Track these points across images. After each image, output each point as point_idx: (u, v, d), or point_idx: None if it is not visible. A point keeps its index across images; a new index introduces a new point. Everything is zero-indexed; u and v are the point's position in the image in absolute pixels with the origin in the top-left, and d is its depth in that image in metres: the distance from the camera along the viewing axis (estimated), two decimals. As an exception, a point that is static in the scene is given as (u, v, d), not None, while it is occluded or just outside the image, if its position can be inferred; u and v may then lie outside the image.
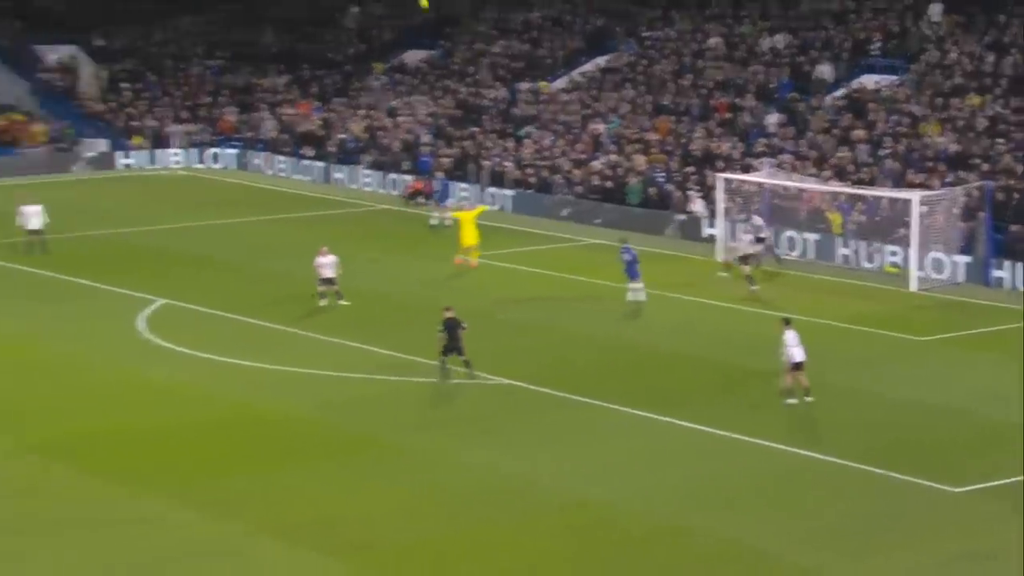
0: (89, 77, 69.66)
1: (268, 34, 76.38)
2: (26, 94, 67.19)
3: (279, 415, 28.41)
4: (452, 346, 30.15)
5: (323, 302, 36.95)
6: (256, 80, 70.80)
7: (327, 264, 37.07)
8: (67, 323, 35.99)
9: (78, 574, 20.93)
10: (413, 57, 70.20)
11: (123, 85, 69.50)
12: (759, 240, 41.54)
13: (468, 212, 44.35)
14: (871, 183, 44.96)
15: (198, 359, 32.37)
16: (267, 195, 57.61)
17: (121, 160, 63.84)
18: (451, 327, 30.12)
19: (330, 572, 21.16)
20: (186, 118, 66.87)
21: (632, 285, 37.53)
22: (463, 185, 54.79)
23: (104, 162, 63.46)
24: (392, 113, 63.57)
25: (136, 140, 65.00)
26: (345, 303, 36.99)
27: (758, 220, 42.56)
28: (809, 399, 28.47)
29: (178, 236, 48.00)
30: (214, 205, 54.40)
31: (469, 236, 42.14)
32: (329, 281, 37.04)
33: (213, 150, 64.60)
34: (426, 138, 59.61)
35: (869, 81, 53.51)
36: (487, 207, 49.00)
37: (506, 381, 30.54)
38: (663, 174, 50.42)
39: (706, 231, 45.95)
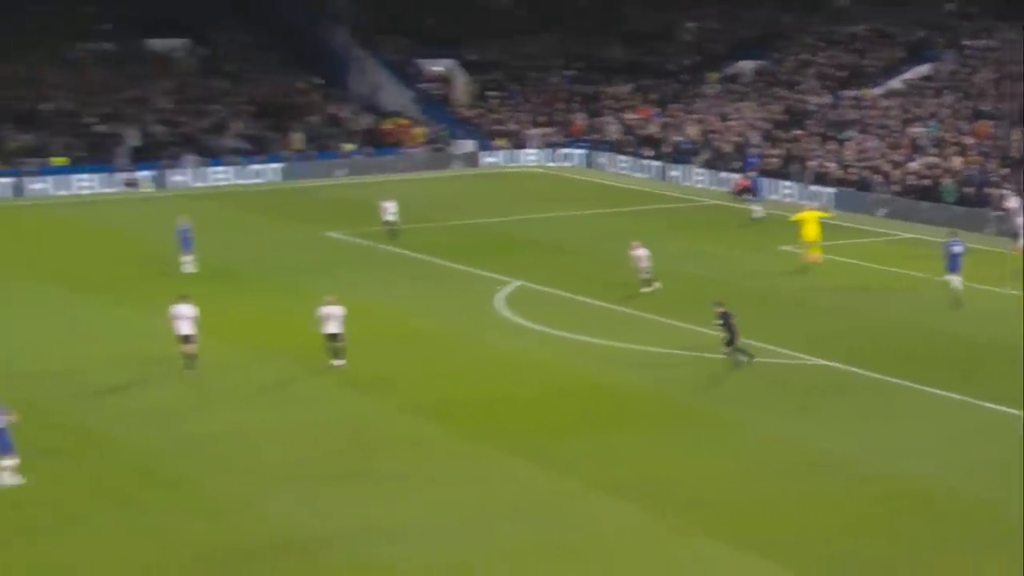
0: (462, 87, 72.05)
1: (616, 47, 76.99)
2: (410, 102, 70.09)
3: (616, 386, 28.73)
4: (732, 336, 29.74)
5: (657, 285, 37.03)
6: (603, 88, 71.51)
7: (640, 257, 37.18)
8: (436, 300, 37.16)
9: (441, 519, 21.74)
10: (744, 67, 69.37)
11: (490, 93, 71.57)
12: None
13: (811, 213, 42.39)
14: None
15: (548, 335, 33.01)
16: (610, 190, 58.18)
17: (485, 159, 65.80)
18: (726, 319, 29.73)
19: (657, 527, 21.27)
20: (542, 122, 68.25)
21: (951, 277, 35.96)
22: (786, 183, 53.86)
23: (471, 161, 65.60)
24: (724, 118, 63.05)
25: (499, 142, 66.84)
26: (649, 290, 36.77)
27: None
28: None
29: (532, 226, 49.03)
30: (564, 199, 55.38)
31: (811, 234, 40.87)
32: (642, 271, 37.06)
33: (564, 150, 65.70)
34: (755, 140, 58.89)
35: None
36: (831, 213, 46.18)
37: (822, 362, 29.94)
38: (977, 174, 48.16)
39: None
